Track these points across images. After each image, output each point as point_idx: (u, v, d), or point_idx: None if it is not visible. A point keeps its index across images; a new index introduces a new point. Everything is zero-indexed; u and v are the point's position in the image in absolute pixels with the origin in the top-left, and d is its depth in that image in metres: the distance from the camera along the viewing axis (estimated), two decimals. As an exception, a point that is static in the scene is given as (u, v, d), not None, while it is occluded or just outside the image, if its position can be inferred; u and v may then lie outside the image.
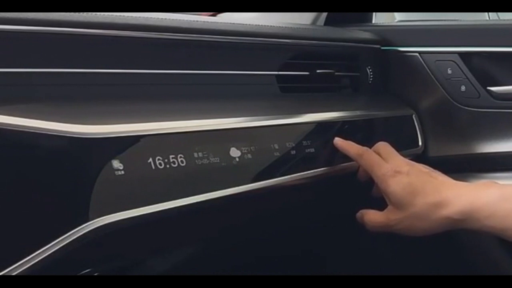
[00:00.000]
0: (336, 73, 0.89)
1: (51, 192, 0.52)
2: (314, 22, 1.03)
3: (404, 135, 0.93)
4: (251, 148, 0.67)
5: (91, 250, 0.54)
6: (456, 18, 1.12)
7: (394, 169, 0.72)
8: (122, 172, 0.55)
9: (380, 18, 1.13)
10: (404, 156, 0.78)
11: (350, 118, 0.83)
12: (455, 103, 0.93)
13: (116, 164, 0.55)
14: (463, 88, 0.92)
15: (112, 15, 0.63)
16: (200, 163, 0.62)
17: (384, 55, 0.96)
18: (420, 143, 0.94)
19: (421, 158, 0.91)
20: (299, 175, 0.71)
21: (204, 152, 0.62)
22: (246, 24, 0.77)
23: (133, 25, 0.64)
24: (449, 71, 0.92)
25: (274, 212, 0.76)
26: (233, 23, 0.76)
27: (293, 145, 0.72)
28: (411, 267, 0.97)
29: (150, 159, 0.57)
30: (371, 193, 0.78)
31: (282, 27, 0.84)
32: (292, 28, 0.85)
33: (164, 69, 0.68)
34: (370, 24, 1.09)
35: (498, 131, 0.92)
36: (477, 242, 0.89)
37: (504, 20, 1.30)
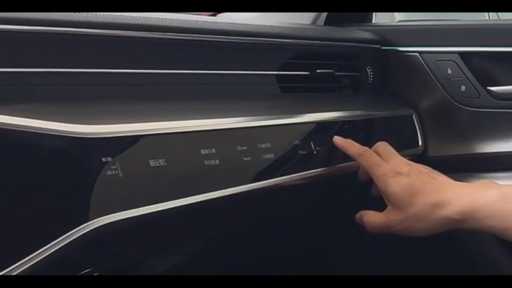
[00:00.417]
0: (336, 73, 0.89)
1: (51, 192, 0.52)
2: (314, 22, 1.03)
3: (404, 135, 0.93)
4: (251, 148, 0.67)
5: (91, 250, 0.54)
6: (456, 18, 1.12)
7: (394, 170, 0.72)
8: (122, 172, 0.55)
9: (380, 18, 1.13)
10: (404, 156, 0.78)
11: (350, 118, 0.83)
12: (455, 103, 0.93)
13: (116, 164, 0.55)
14: (463, 88, 0.92)
15: (112, 15, 0.63)
16: (200, 163, 0.62)
17: (384, 55, 0.96)
18: (420, 143, 0.94)
19: (421, 158, 0.91)
20: (299, 175, 0.71)
21: (204, 152, 0.62)
22: (246, 24, 0.77)
23: (133, 25, 0.64)
24: (449, 71, 0.92)
25: (274, 212, 0.76)
26: (233, 23, 0.76)
27: (293, 145, 0.72)
28: (411, 267, 0.97)
29: (150, 159, 0.57)
30: (371, 193, 0.78)
31: (282, 27, 0.84)
32: (292, 28, 0.85)
33: (164, 69, 0.68)
34: (370, 24, 1.09)
35: (498, 131, 0.92)
36: (477, 242, 0.89)
37: (504, 20, 1.30)
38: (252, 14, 0.98)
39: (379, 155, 0.75)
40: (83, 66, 0.60)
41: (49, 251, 0.50)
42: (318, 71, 0.85)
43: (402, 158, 0.76)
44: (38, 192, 0.51)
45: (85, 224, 0.52)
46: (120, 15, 0.63)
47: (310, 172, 0.73)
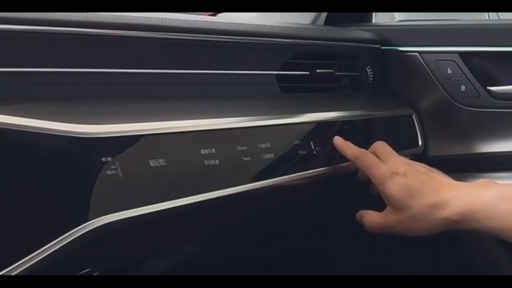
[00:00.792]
0: (336, 73, 0.89)
1: (50, 191, 0.52)
2: (314, 22, 1.03)
3: (404, 135, 0.93)
4: (251, 148, 0.67)
5: (91, 250, 0.54)
6: (456, 18, 1.12)
7: (391, 170, 0.72)
8: (122, 172, 0.55)
9: (380, 18, 1.13)
10: (404, 156, 0.78)
11: (350, 118, 0.83)
12: (455, 103, 0.93)
13: (115, 164, 0.55)
14: (463, 88, 0.92)
15: (112, 15, 0.63)
16: (200, 163, 0.62)
17: (384, 55, 0.96)
18: (420, 143, 0.94)
19: (421, 158, 0.91)
20: (298, 175, 0.71)
21: (204, 152, 0.62)
22: (246, 24, 0.77)
23: (133, 24, 0.64)
24: (449, 71, 0.92)
25: (274, 212, 0.76)
26: (233, 23, 0.76)
27: (293, 145, 0.72)
28: (411, 267, 0.97)
29: (150, 159, 0.57)
30: (370, 193, 0.78)
31: (282, 27, 0.84)
32: (292, 28, 0.85)
33: (164, 69, 0.68)
34: (370, 24, 1.09)
35: (498, 131, 0.92)
36: (477, 242, 0.89)
37: (504, 20, 1.30)
38: (252, 14, 0.98)
39: (377, 155, 0.75)
40: (83, 66, 0.60)
41: (49, 251, 0.50)
42: (318, 71, 0.85)
43: (400, 157, 0.76)
44: (38, 192, 0.51)
45: (84, 224, 0.52)
46: (120, 15, 0.63)
47: (310, 172, 0.73)
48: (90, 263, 0.59)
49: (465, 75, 0.91)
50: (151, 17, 0.66)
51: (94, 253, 0.56)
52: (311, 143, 0.74)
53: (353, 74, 0.94)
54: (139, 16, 0.65)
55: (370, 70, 0.95)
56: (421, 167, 0.75)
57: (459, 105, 0.92)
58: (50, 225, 0.51)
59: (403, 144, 0.89)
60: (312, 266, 1.02)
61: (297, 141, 0.73)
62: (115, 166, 0.55)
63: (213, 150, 0.63)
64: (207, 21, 0.72)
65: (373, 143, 0.78)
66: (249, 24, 0.78)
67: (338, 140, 0.76)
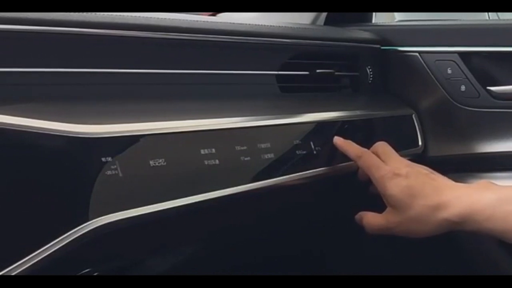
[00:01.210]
0: (336, 73, 0.89)
1: (50, 191, 0.52)
2: (314, 22, 1.03)
3: (404, 135, 0.93)
4: (251, 148, 0.67)
5: (91, 250, 0.54)
6: (456, 18, 1.12)
7: (393, 171, 0.72)
8: (122, 172, 0.55)
9: (380, 18, 1.13)
10: (404, 156, 0.78)
11: (350, 118, 0.83)
12: (455, 103, 0.93)
13: (115, 164, 0.55)
14: (463, 88, 0.92)
15: (112, 15, 0.63)
16: (200, 163, 0.62)
17: (384, 55, 0.96)
18: (420, 143, 0.94)
19: (421, 158, 0.91)
20: (298, 175, 0.71)
21: (204, 152, 0.62)
22: (246, 24, 0.77)
23: (133, 24, 0.64)
24: (449, 71, 0.92)
25: (274, 212, 0.76)
26: (233, 23, 0.76)
27: (293, 145, 0.72)
28: (411, 267, 0.97)
29: (150, 159, 0.57)
30: (370, 193, 0.78)
31: (282, 27, 0.84)
32: (292, 28, 0.85)
33: (164, 68, 0.68)
34: (370, 24, 1.09)
35: (498, 131, 0.92)
36: (477, 242, 0.89)
37: (504, 20, 1.30)
38: (252, 14, 0.98)
39: (378, 155, 0.75)
40: (83, 66, 0.60)
41: (49, 251, 0.50)
42: (318, 71, 0.85)
43: (401, 158, 0.76)
44: (38, 192, 0.51)
45: (84, 224, 0.52)
46: (119, 15, 0.63)
47: (310, 172, 0.73)
48: (90, 263, 0.59)
49: (465, 75, 0.91)
50: (151, 17, 0.66)
51: (94, 253, 0.56)
52: (311, 143, 0.74)
53: (353, 74, 0.94)
54: (139, 16, 0.65)
55: (370, 70, 0.95)
56: (422, 169, 0.75)
57: (459, 105, 0.92)
58: (50, 225, 0.51)
59: (403, 144, 0.89)
60: (312, 266, 1.02)
61: (297, 141, 0.73)
62: (115, 166, 0.55)
63: (213, 150, 0.63)
64: (207, 21, 0.72)
65: (373, 143, 0.78)
66: (249, 24, 0.78)
67: (339, 140, 0.76)
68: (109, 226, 0.53)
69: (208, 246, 0.76)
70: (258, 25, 0.80)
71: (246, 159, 0.66)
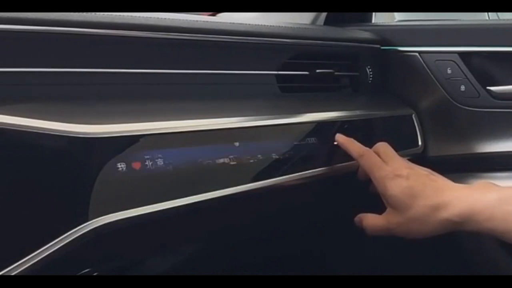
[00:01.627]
0: (336, 73, 0.89)
1: (50, 191, 0.52)
2: (313, 22, 1.03)
3: (404, 135, 0.93)
4: (251, 148, 0.67)
5: (91, 250, 0.54)
6: (456, 18, 1.12)
7: (394, 172, 0.72)
8: (122, 172, 0.55)
9: (379, 18, 1.13)
10: (404, 155, 0.78)
11: (350, 118, 0.83)
12: (454, 103, 0.93)
13: (115, 164, 0.55)
14: (462, 88, 0.92)
15: (111, 15, 0.63)
16: (199, 162, 0.62)
17: (384, 55, 0.96)
18: (419, 143, 0.94)
19: (420, 157, 0.91)
20: (298, 175, 0.71)
21: (204, 152, 0.62)
22: (246, 24, 0.77)
23: (133, 24, 0.64)
24: (449, 71, 0.92)
25: (274, 212, 0.76)
26: (233, 23, 0.76)
27: (293, 145, 0.72)
28: (411, 267, 0.97)
29: (150, 159, 0.57)
30: (370, 192, 0.78)
31: (282, 27, 0.84)
32: (292, 28, 0.85)
33: (164, 68, 0.68)
34: (369, 24, 1.09)
35: (497, 131, 0.92)
36: (477, 243, 0.89)
37: (504, 20, 1.30)
38: (251, 14, 0.98)
39: (379, 155, 0.75)
40: (83, 66, 0.60)
41: (49, 251, 0.50)
42: (318, 71, 0.85)
43: (402, 159, 0.76)
44: (38, 192, 0.51)
45: (84, 224, 0.52)
46: (119, 15, 0.63)
47: (310, 172, 0.73)
48: (90, 263, 0.59)
49: (465, 75, 0.91)
50: (151, 17, 0.66)
51: (94, 253, 0.56)
52: (311, 143, 0.74)
53: (353, 74, 0.94)
54: (139, 16, 0.65)
55: (370, 70, 0.95)
56: (422, 170, 0.75)
57: (459, 105, 0.92)
58: (50, 225, 0.51)
59: (403, 144, 0.89)
60: (312, 266, 1.02)
61: (297, 141, 0.73)
62: (115, 166, 0.55)
63: (213, 150, 0.63)
64: (207, 21, 0.72)
65: (373, 143, 0.78)
66: (249, 24, 0.78)
67: (341, 138, 0.76)
68: (109, 226, 0.53)
69: (208, 246, 0.76)
70: (258, 25, 0.80)
71: (246, 159, 0.66)
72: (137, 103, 0.63)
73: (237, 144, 0.66)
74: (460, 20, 1.08)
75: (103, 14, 0.62)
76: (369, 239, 0.78)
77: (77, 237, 0.52)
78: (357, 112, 0.85)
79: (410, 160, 0.80)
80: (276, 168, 0.69)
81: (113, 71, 0.63)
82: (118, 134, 0.56)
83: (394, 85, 0.98)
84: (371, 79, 0.95)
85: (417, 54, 0.94)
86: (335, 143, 0.77)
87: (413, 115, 0.94)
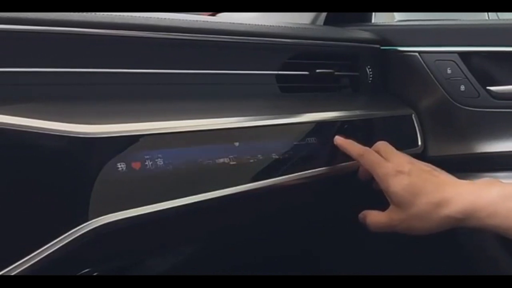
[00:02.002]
0: (336, 73, 0.89)
1: (50, 191, 0.52)
2: (313, 22, 1.03)
3: (404, 135, 0.93)
4: (251, 148, 0.67)
5: (91, 250, 0.54)
6: (456, 18, 1.12)
7: (396, 169, 0.72)
8: (122, 172, 0.55)
9: (379, 18, 1.13)
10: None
11: (350, 117, 0.83)
12: (454, 102, 0.93)
13: (115, 163, 0.55)
14: (462, 87, 0.92)
15: (111, 15, 0.63)
16: (199, 162, 0.62)
17: (383, 55, 0.96)
18: (419, 143, 0.94)
19: (420, 157, 0.91)
20: (298, 175, 0.71)
21: (204, 152, 0.62)
22: (246, 24, 0.77)
23: (133, 24, 0.64)
24: (449, 71, 0.92)
25: (274, 212, 0.76)
26: (233, 23, 0.76)
27: (293, 145, 0.72)
28: (411, 267, 0.97)
29: (150, 159, 0.57)
30: (371, 192, 0.78)
31: (282, 27, 0.84)
32: (292, 28, 0.85)
33: (164, 68, 0.68)
34: (369, 24, 1.09)
35: (497, 130, 0.92)
36: (478, 242, 0.89)
37: (503, 20, 1.30)
38: (251, 14, 0.98)
39: (380, 154, 0.75)
40: (83, 66, 0.60)
41: (49, 251, 0.50)
42: (317, 71, 0.85)
43: (403, 155, 0.76)
44: (38, 192, 0.51)
45: (84, 224, 0.52)
46: (119, 15, 0.63)
47: (310, 172, 0.73)
48: (90, 263, 0.59)
49: (465, 75, 0.91)
50: (150, 17, 0.66)
51: (94, 253, 0.56)
52: (311, 143, 0.74)
53: (353, 74, 0.94)
54: (139, 16, 0.65)
55: (370, 70, 0.95)
56: (424, 166, 0.75)
57: (459, 105, 0.92)
58: (50, 225, 0.51)
59: (402, 144, 0.89)
60: (312, 266, 1.02)
61: (297, 141, 0.73)
62: (115, 166, 0.55)
63: (213, 150, 0.63)
64: (207, 21, 0.72)
65: (373, 143, 0.78)
66: (249, 24, 0.78)
67: (340, 139, 0.76)
68: (109, 226, 0.53)
69: (208, 246, 0.76)
70: (258, 25, 0.80)
71: (246, 159, 0.66)
72: (137, 103, 0.63)
73: (237, 144, 0.66)
74: (460, 20, 1.08)
75: (103, 14, 0.62)
76: (369, 239, 0.78)
77: (77, 237, 0.52)
78: (357, 112, 0.85)
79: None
80: (276, 168, 0.69)
81: (113, 71, 0.63)
82: (118, 134, 0.56)
83: (394, 85, 0.98)
84: (371, 79, 0.95)
85: (417, 54, 0.94)
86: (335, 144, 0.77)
87: (413, 115, 0.94)
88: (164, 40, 0.67)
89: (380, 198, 0.74)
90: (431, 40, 0.94)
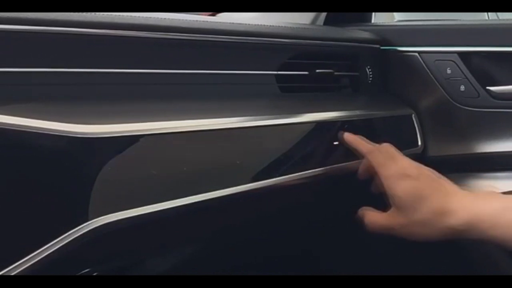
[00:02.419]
0: (336, 73, 0.89)
1: (50, 191, 0.52)
2: (313, 22, 1.03)
3: (404, 135, 0.93)
4: (251, 148, 0.67)
5: (91, 250, 0.54)
6: (456, 18, 1.12)
7: (402, 172, 0.71)
8: (121, 172, 0.55)
9: (379, 18, 1.13)
10: (404, 155, 0.78)
11: (350, 118, 0.83)
12: (454, 103, 0.93)
13: (115, 163, 0.55)
14: (462, 88, 0.92)
15: (111, 15, 0.63)
16: (199, 163, 0.62)
17: (383, 55, 0.96)
18: (419, 143, 0.94)
19: (420, 157, 0.91)
20: (298, 175, 0.71)
21: (204, 152, 0.62)
22: (245, 24, 0.77)
23: (132, 24, 0.64)
24: (449, 71, 0.92)
25: (274, 212, 0.76)
26: (233, 23, 0.76)
27: (293, 145, 0.72)
28: (411, 267, 0.97)
29: (150, 159, 0.57)
30: (370, 192, 0.78)
31: (282, 27, 0.84)
32: (292, 28, 0.85)
33: (164, 68, 0.68)
34: (369, 24, 1.09)
35: (497, 131, 0.92)
36: (478, 242, 0.89)
37: (503, 20, 1.30)
38: (251, 14, 0.98)
39: (385, 155, 0.75)
40: (83, 66, 0.60)
41: (49, 251, 0.50)
42: (317, 71, 0.85)
43: (409, 160, 0.75)
44: (38, 192, 0.51)
45: (84, 224, 0.52)
46: (119, 15, 0.63)
47: (310, 172, 0.73)
48: (90, 263, 0.59)
49: (465, 75, 0.91)
50: (150, 17, 0.66)
51: (94, 253, 0.56)
52: (311, 143, 0.74)
53: (353, 74, 0.94)
54: (139, 16, 0.65)
55: (370, 70, 0.95)
56: (431, 173, 0.74)
57: (459, 105, 0.93)
58: (50, 225, 0.51)
59: (402, 144, 0.88)
60: (312, 266, 1.02)
61: (297, 141, 0.73)
62: (115, 166, 0.55)
63: (213, 150, 0.63)
64: (207, 21, 0.72)
65: (373, 143, 0.78)
66: (249, 24, 0.78)
67: (350, 136, 0.76)
68: (109, 226, 0.53)
69: (208, 246, 0.76)
70: (258, 25, 0.80)
71: (246, 159, 0.66)
72: (137, 103, 0.63)
73: (237, 144, 0.66)
74: (460, 20, 1.08)
75: (103, 14, 0.62)
76: (369, 239, 0.78)
77: (77, 237, 0.52)
78: (357, 112, 0.85)
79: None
80: (276, 168, 0.69)
81: (113, 71, 0.63)
82: (118, 134, 0.56)
83: (394, 85, 0.98)
84: (371, 79, 0.95)
85: (416, 54, 0.94)
86: (339, 142, 0.77)
87: (413, 115, 0.94)
88: (164, 40, 0.66)
89: (380, 199, 0.74)
90: (431, 40, 0.94)
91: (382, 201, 0.73)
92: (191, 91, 0.71)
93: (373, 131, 0.88)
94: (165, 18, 0.68)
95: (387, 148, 0.76)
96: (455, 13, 1.12)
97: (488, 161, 0.92)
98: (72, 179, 0.52)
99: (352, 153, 0.78)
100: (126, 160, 0.55)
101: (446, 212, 0.68)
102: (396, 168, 0.71)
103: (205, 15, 0.97)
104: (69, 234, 0.51)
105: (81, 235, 0.52)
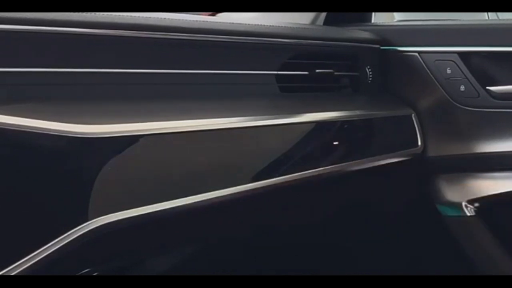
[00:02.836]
0: (336, 73, 0.89)
1: (50, 191, 0.52)
2: (313, 22, 1.03)
3: (404, 135, 0.93)
4: (251, 147, 0.67)
5: (90, 250, 0.54)
6: (456, 18, 1.12)
7: None
8: (121, 172, 0.55)
9: (379, 18, 1.13)
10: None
11: (350, 118, 0.83)
12: (454, 103, 0.93)
13: (115, 163, 0.55)
14: (462, 88, 0.92)
15: (111, 15, 0.63)
16: (199, 162, 0.62)
17: (383, 55, 0.96)
18: (419, 143, 0.94)
19: (420, 157, 0.91)
20: (298, 175, 0.71)
21: (204, 152, 0.62)
22: (245, 24, 0.77)
23: (132, 24, 0.64)
24: (449, 71, 0.92)
25: (274, 211, 0.76)
26: (233, 23, 0.76)
27: (293, 145, 0.72)
28: (411, 267, 0.97)
29: (150, 159, 0.57)
30: (371, 192, 0.78)
31: (282, 27, 0.84)
32: (291, 28, 0.85)
33: (164, 68, 0.68)
34: (369, 24, 1.09)
35: (497, 130, 0.92)
36: (477, 242, 0.89)
37: (503, 20, 1.30)
38: (251, 14, 0.98)
39: None
40: (83, 66, 0.60)
41: (49, 251, 0.50)
42: (317, 71, 0.85)
43: None
44: (38, 192, 0.51)
45: (84, 224, 0.52)
46: (119, 15, 0.63)
47: (310, 172, 0.73)
48: (90, 263, 0.59)
49: (465, 75, 0.91)
50: (150, 17, 0.66)
51: (94, 253, 0.56)
52: (311, 143, 0.74)
53: (353, 74, 0.94)
54: (139, 16, 0.65)
55: (370, 70, 0.95)
56: None
57: (459, 105, 0.92)
58: (50, 225, 0.51)
59: (402, 144, 0.89)
60: (312, 266, 1.02)
61: (297, 141, 0.73)
62: (115, 166, 0.55)
63: (213, 150, 0.63)
64: (207, 21, 0.72)
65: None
66: (249, 24, 0.78)
67: None
68: (109, 226, 0.53)
69: (208, 246, 0.76)
70: (258, 25, 0.80)
71: (246, 159, 0.66)
72: (137, 103, 0.63)
73: (237, 144, 0.66)
74: (460, 20, 1.08)
75: (103, 14, 0.62)
76: (369, 239, 0.78)
77: (77, 237, 0.52)
78: (357, 112, 0.85)
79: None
80: (276, 168, 0.69)
81: (113, 71, 0.63)
82: (118, 134, 0.56)
83: (394, 85, 0.98)
84: (370, 79, 0.95)
85: (416, 54, 0.94)
86: (335, 143, 0.77)
87: (413, 115, 0.94)
88: (164, 40, 0.66)
89: (380, 199, 0.74)
90: (431, 40, 0.94)
91: (382, 201, 0.74)
92: (191, 91, 0.71)
93: (373, 131, 0.88)
94: (165, 18, 0.68)
95: None
96: (455, 13, 1.11)
97: (488, 161, 0.92)
98: (72, 179, 0.52)
99: (352, 153, 0.78)
100: (126, 160, 0.55)
101: None
102: None
103: (205, 15, 0.97)
104: (69, 234, 0.51)
105: (81, 235, 0.52)
